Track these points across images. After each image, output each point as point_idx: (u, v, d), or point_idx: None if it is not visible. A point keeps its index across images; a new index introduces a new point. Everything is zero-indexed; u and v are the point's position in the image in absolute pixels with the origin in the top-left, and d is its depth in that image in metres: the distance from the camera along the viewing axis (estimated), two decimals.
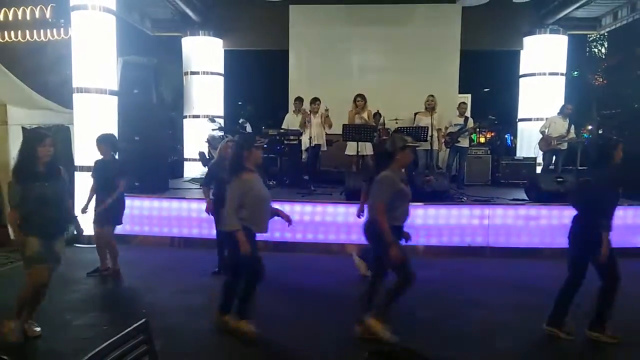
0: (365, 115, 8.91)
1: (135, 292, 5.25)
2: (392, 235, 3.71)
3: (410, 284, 3.80)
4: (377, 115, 9.58)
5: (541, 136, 9.32)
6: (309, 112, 9.12)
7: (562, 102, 10.84)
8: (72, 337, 3.99)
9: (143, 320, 2.09)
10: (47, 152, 3.77)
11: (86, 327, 4.18)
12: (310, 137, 9.11)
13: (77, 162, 7.56)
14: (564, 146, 9.18)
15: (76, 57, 7.46)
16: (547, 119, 9.57)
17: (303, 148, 9.24)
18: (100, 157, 5.68)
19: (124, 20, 10.05)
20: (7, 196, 3.79)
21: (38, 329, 3.97)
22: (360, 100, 8.89)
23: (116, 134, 7.75)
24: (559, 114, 9.30)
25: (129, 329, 2.00)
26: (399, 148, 3.89)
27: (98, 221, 5.59)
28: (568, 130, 9.08)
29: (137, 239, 7.36)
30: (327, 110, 9.11)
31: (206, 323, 4.36)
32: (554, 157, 9.28)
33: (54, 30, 11.12)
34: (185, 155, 12.02)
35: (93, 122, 7.44)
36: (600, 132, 18.95)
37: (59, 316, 4.44)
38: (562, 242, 6.95)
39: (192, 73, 11.74)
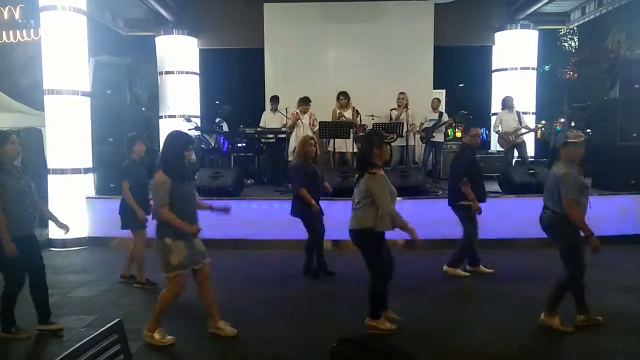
0: (349, 112, 8.87)
1: (112, 294, 5.21)
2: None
3: (582, 277, 4.05)
4: (355, 112, 9.63)
5: (497, 135, 9.37)
6: (297, 112, 8.79)
7: (533, 96, 11.02)
8: (47, 340, 3.95)
9: (117, 320, 2.10)
10: (190, 155, 3.88)
11: (62, 330, 4.14)
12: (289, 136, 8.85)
13: (50, 164, 7.46)
14: (522, 139, 9.21)
15: (47, 58, 7.35)
16: (495, 116, 9.60)
17: (290, 149, 8.65)
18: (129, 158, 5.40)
19: (95, 20, 9.93)
20: (156, 193, 3.80)
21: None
22: (342, 99, 8.88)
23: (89, 136, 7.69)
24: (503, 108, 9.30)
25: (102, 329, 2.01)
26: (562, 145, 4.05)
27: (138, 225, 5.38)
28: (520, 122, 9.12)
29: (115, 241, 7.30)
30: (313, 117, 8.89)
31: (184, 323, 4.36)
32: (515, 151, 9.35)
33: (24, 31, 10.94)
34: None
35: (65, 124, 7.35)
36: (572, 124, 19.38)
37: (35, 320, 4.39)
38: (534, 232, 7.16)
39: (167, 72, 11.63)
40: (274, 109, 9.42)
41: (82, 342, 1.89)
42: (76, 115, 7.42)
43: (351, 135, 8.55)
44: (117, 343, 2.04)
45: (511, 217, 7.16)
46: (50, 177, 7.42)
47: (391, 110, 9.49)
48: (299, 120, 8.64)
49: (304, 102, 8.75)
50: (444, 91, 12.30)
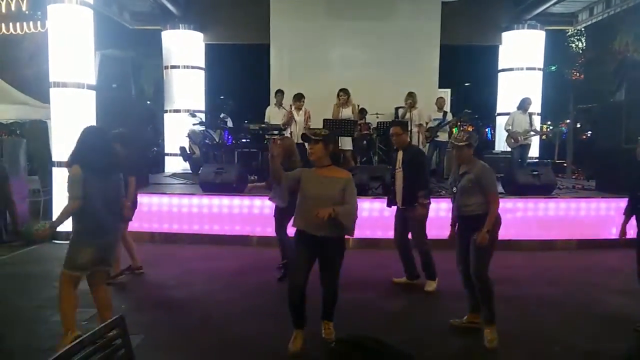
0: (349, 110, 8.87)
1: (115, 288, 5.23)
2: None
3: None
4: (363, 110, 9.60)
5: (507, 134, 9.37)
6: (291, 110, 8.86)
7: (539, 97, 10.96)
8: (50, 334, 3.98)
9: (118, 315, 2.12)
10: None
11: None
12: (291, 133, 8.92)
13: (55, 157, 7.48)
14: (530, 140, 9.26)
15: (53, 51, 7.36)
16: (508, 115, 9.60)
17: None
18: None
19: (102, 13, 9.94)
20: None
21: None
22: (342, 95, 8.86)
23: (104, 129, 7.71)
24: (518, 108, 9.26)
25: (103, 324, 2.03)
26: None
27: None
28: (530, 124, 9.15)
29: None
30: (308, 113, 8.92)
31: (185, 318, 4.39)
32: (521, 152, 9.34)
33: (31, 23, 10.95)
34: (166, 150, 11.96)
35: (71, 117, 7.37)
36: (578, 125, 19.29)
37: (38, 312, 4.43)
38: (537, 234, 7.18)
39: (173, 67, 11.66)
40: (279, 103, 9.40)
41: (84, 336, 1.90)
42: (81, 109, 7.42)
43: (355, 133, 8.56)
44: (118, 337, 2.06)
45: (516, 218, 7.14)
46: (55, 169, 7.45)
47: (397, 108, 9.48)
48: (293, 118, 8.69)
49: (298, 98, 8.79)
50: (449, 90, 12.28)
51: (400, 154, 5.21)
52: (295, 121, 8.76)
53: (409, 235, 5.33)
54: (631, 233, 4.41)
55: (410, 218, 5.17)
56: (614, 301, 4.94)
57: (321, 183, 3.57)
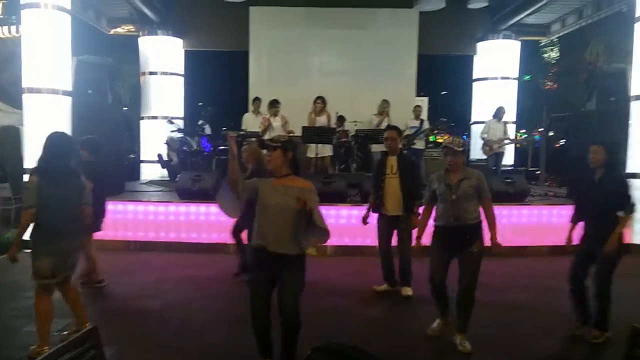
0: (324, 117, 8.93)
1: (89, 298, 5.14)
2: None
3: (430, 282, 4.14)
4: (342, 118, 9.68)
5: (482, 142, 9.58)
6: (268, 117, 8.92)
7: (515, 106, 11.19)
8: (21, 344, 3.89)
9: (92, 326, 2.09)
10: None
11: (36, 334, 4.07)
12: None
13: (27, 164, 7.34)
14: (505, 149, 9.53)
15: (26, 56, 7.24)
16: (484, 124, 9.84)
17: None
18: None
19: (78, 18, 9.82)
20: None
21: None
22: (319, 103, 8.93)
23: (70, 135, 7.59)
24: (494, 117, 9.51)
25: (76, 335, 2.00)
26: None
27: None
28: (505, 132, 9.39)
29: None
30: (285, 119, 8.98)
31: (160, 327, 4.34)
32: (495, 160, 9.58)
33: (5, 27, 10.76)
34: (143, 157, 11.82)
35: (44, 123, 7.24)
36: (550, 134, 19.70)
37: (9, 322, 4.34)
38: (510, 240, 7.29)
39: (151, 73, 11.56)
40: (257, 111, 9.41)
41: (56, 347, 1.88)
42: (56, 115, 7.30)
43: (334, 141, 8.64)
44: (91, 349, 2.03)
45: (486, 225, 7.22)
46: (27, 177, 7.30)
47: (372, 115, 9.59)
48: (270, 124, 8.70)
49: (273, 104, 8.83)
50: (426, 99, 12.44)
51: (393, 160, 5.10)
52: (272, 127, 8.77)
53: (393, 243, 5.33)
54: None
55: (406, 226, 5.12)
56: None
57: (281, 193, 3.20)
